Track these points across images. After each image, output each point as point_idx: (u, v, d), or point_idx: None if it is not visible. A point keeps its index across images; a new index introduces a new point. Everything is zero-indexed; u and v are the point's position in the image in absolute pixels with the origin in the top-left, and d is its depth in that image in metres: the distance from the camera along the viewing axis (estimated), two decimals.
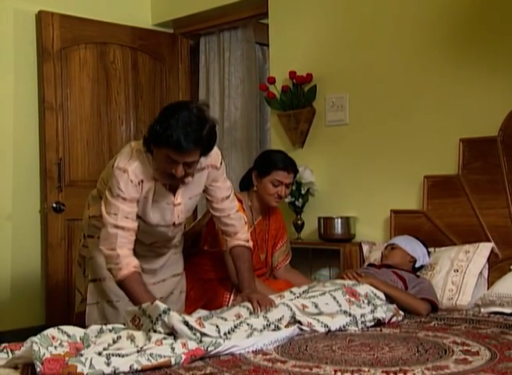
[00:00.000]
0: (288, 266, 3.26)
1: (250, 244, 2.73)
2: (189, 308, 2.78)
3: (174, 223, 2.61)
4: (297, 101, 3.87)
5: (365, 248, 3.51)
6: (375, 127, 3.63)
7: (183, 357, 1.95)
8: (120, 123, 4.42)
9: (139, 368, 1.87)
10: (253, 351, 2.10)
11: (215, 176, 2.61)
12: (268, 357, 2.05)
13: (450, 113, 3.35)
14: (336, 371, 1.87)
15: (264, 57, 5.01)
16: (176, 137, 2.25)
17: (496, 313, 2.73)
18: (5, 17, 4.06)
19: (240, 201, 2.95)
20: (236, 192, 2.99)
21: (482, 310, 2.80)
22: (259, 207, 3.10)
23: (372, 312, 2.55)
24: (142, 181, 2.42)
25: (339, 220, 3.66)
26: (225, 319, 2.30)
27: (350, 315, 2.48)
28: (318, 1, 3.87)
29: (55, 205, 4.07)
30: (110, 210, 2.39)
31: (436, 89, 3.40)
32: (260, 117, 4.91)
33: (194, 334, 2.06)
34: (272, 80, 3.95)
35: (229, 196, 2.68)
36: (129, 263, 2.35)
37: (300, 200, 3.77)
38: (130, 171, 2.39)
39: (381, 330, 2.45)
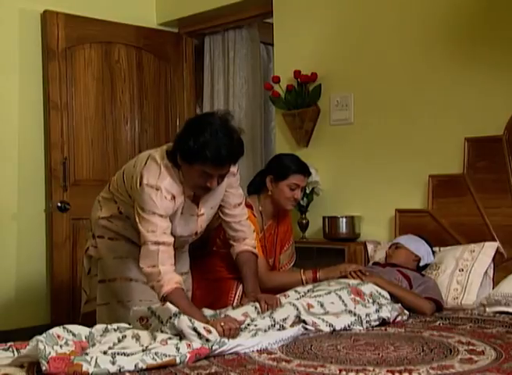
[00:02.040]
0: (291, 269, 3.26)
1: (257, 251, 2.76)
2: None
3: (196, 233, 2.64)
4: (302, 100, 3.87)
5: (370, 247, 3.51)
6: (380, 126, 3.63)
7: (188, 356, 1.95)
8: (125, 123, 4.42)
9: (144, 367, 1.87)
10: (258, 351, 2.10)
11: (231, 183, 2.64)
12: (272, 356, 2.05)
13: (455, 112, 3.34)
14: (340, 370, 1.87)
15: (269, 56, 5.01)
16: (214, 153, 2.29)
17: (501, 313, 2.73)
18: (10, 17, 4.07)
19: (250, 206, 2.97)
20: (247, 197, 3.01)
21: (487, 310, 2.79)
22: (270, 211, 3.10)
23: (377, 311, 2.54)
24: (174, 197, 2.42)
25: (344, 219, 3.65)
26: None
27: (355, 314, 2.48)
28: (323, 0, 3.87)
29: (59, 204, 4.08)
30: (148, 227, 2.36)
31: (441, 88, 3.39)
32: (264, 116, 4.91)
33: (200, 339, 2.06)
34: (277, 80, 3.95)
35: (241, 203, 2.72)
36: (171, 279, 2.32)
37: (305, 199, 3.77)
38: (163, 188, 2.38)
39: (386, 330, 2.44)
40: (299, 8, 3.97)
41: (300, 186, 3.05)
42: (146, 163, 2.45)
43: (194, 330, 2.07)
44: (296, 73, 3.84)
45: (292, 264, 3.25)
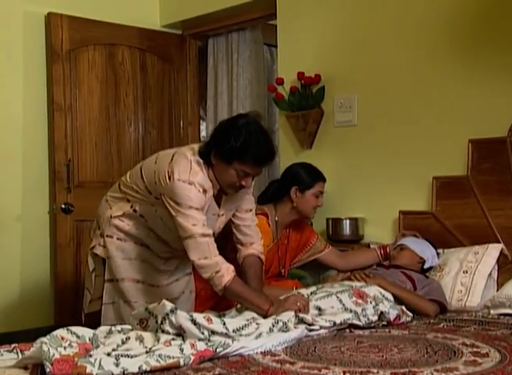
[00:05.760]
0: (337, 251, 3.30)
1: (263, 257, 2.77)
2: (198, 308, 2.79)
3: (213, 233, 2.63)
4: (306, 102, 3.87)
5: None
6: (384, 128, 3.63)
7: (192, 358, 1.95)
8: (129, 125, 4.42)
9: (148, 369, 1.87)
10: (261, 353, 2.10)
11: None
12: (276, 358, 2.05)
13: (459, 114, 3.34)
14: (344, 372, 1.87)
15: (273, 58, 5.01)
16: (256, 153, 2.39)
17: (505, 315, 2.72)
18: (14, 19, 4.09)
19: (265, 215, 2.97)
20: (264, 206, 3.03)
21: (492, 312, 2.79)
22: (286, 221, 3.13)
23: (375, 306, 2.54)
24: (206, 191, 2.46)
25: (348, 221, 3.65)
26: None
27: (351, 311, 2.48)
28: (326, 2, 3.87)
29: (63, 206, 4.08)
30: (189, 221, 2.40)
31: (445, 90, 3.39)
32: (268, 118, 4.91)
33: (202, 333, 2.06)
34: (281, 81, 3.95)
35: (252, 209, 2.74)
36: (228, 268, 2.41)
37: None
38: (196, 182, 2.41)
39: (389, 332, 2.44)
40: (302, 10, 3.97)
41: (322, 193, 3.14)
42: (173, 159, 2.47)
43: (194, 322, 2.07)
44: (300, 75, 3.84)
45: (329, 249, 3.27)
